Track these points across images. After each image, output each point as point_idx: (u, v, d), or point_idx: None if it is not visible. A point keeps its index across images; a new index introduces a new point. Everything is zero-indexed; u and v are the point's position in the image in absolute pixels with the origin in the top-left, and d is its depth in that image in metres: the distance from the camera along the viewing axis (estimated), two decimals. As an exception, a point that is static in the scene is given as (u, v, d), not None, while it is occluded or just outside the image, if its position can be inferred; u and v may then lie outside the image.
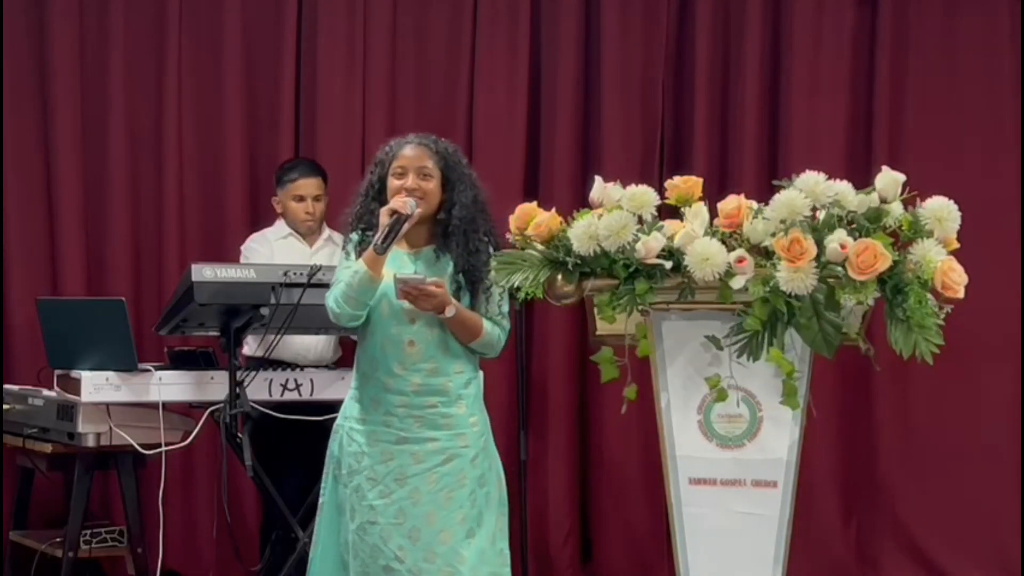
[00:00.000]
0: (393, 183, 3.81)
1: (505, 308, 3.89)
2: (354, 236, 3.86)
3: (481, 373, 3.97)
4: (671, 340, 3.66)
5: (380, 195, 3.85)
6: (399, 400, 3.78)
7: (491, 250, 3.83)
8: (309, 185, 5.30)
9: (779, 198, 3.49)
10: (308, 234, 5.33)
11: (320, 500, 3.93)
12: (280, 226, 5.38)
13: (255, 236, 5.38)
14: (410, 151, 3.84)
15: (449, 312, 3.74)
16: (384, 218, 3.72)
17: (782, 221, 3.46)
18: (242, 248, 5.32)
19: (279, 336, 4.73)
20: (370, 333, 3.83)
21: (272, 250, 5.28)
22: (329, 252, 5.28)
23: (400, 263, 3.83)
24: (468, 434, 3.81)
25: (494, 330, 3.86)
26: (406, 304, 3.75)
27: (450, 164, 3.84)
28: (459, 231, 3.80)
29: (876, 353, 3.61)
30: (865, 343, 3.61)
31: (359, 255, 3.79)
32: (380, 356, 3.81)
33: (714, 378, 3.60)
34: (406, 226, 3.74)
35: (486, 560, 3.79)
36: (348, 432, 3.85)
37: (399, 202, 3.74)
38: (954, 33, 6.01)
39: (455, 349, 3.83)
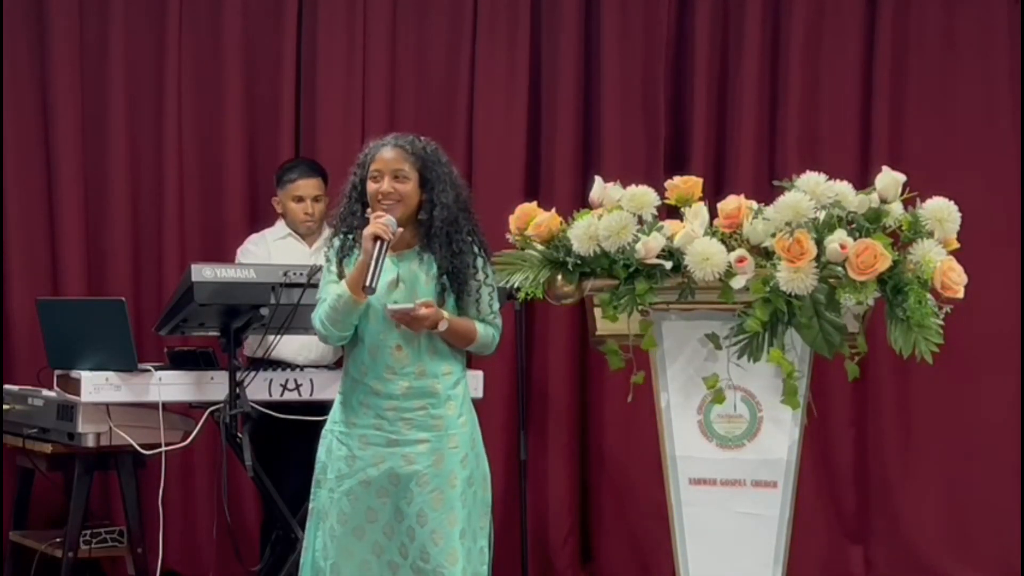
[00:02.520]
0: (370, 186, 3.79)
1: (496, 306, 3.87)
2: (335, 242, 3.85)
3: (475, 372, 3.95)
4: (671, 340, 3.66)
5: (362, 197, 3.83)
6: (388, 404, 3.78)
7: (476, 250, 3.81)
8: (308, 186, 5.29)
9: (783, 200, 3.49)
10: (308, 234, 5.33)
11: (309, 505, 3.94)
12: (280, 226, 5.38)
13: (253, 237, 5.38)
14: (386, 153, 3.81)
15: (442, 327, 3.74)
16: (367, 243, 3.68)
17: (787, 223, 3.46)
18: (239, 250, 5.32)
19: (279, 337, 4.73)
20: (357, 339, 3.83)
21: (269, 251, 5.28)
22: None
23: (383, 267, 3.82)
24: (457, 434, 3.81)
25: (487, 331, 3.85)
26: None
27: (427, 164, 3.81)
28: (441, 232, 3.78)
29: (858, 360, 3.61)
30: (848, 349, 3.60)
31: (339, 262, 3.78)
32: (369, 361, 3.80)
33: (712, 378, 3.60)
34: (387, 248, 3.71)
35: (471, 559, 3.81)
36: (337, 436, 3.85)
37: (380, 227, 3.69)
38: (953, 32, 6.01)
39: (443, 351, 3.82)
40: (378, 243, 3.68)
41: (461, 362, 3.89)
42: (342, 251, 3.80)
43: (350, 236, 3.80)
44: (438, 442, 3.79)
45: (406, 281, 3.79)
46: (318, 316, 3.81)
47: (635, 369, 3.64)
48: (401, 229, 3.74)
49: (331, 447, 3.86)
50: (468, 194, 3.88)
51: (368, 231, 3.70)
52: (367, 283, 3.66)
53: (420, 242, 3.82)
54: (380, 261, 3.67)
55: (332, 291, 3.77)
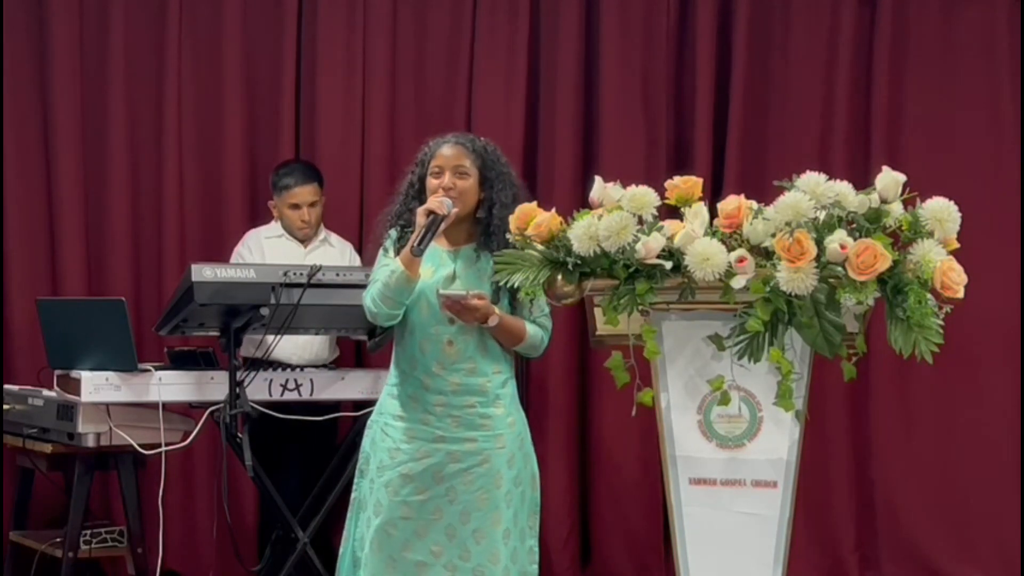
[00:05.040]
0: (431, 182, 3.84)
1: (548, 308, 3.90)
2: (392, 233, 3.88)
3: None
4: (671, 340, 3.66)
5: (420, 194, 3.87)
6: (437, 399, 3.80)
7: None
8: (305, 192, 5.29)
9: (784, 200, 3.48)
10: (305, 239, 5.33)
11: (352, 496, 3.95)
12: (275, 226, 5.38)
13: (250, 235, 5.38)
14: (447, 150, 3.86)
15: (492, 322, 3.76)
16: (420, 218, 3.73)
17: (787, 223, 3.46)
18: (235, 250, 5.32)
19: (278, 337, 4.73)
20: (409, 333, 3.85)
21: (263, 248, 5.28)
22: (322, 253, 5.28)
23: (439, 261, 3.85)
24: (505, 435, 3.84)
25: (537, 333, 3.89)
26: None
27: (488, 163, 3.86)
28: (500, 231, 3.81)
29: (856, 361, 3.61)
30: (846, 350, 3.60)
31: (397, 252, 3.80)
32: (419, 355, 3.82)
33: (717, 380, 3.60)
34: (443, 226, 3.76)
35: (517, 559, 3.82)
36: (383, 428, 3.86)
37: (435, 202, 3.76)
38: (953, 32, 6.01)
39: (493, 349, 3.84)
40: (431, 216, 3.71)
41: (510, 362, 3.91)
42: (400, 242, 3.82)
43: (408, 229, 3.82)
44: (485, 442, 3.80)
45: (463, 277, 3.82)
46: (369, 294, 3.83)
47: (640, 384, 3.63)
48: (456, 210, 3.77)
49: (375, 438, 3.87)
50: (526, 195, 3.91)
51: (422, 208, 3.75)
52: (414, 244, 3.68)
53: (478, 240, 3.85)
54: (430, 230, 3.70)
55: (385, 269, 3.78)
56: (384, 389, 3.94)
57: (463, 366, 3.80)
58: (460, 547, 3.75)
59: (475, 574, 3.75)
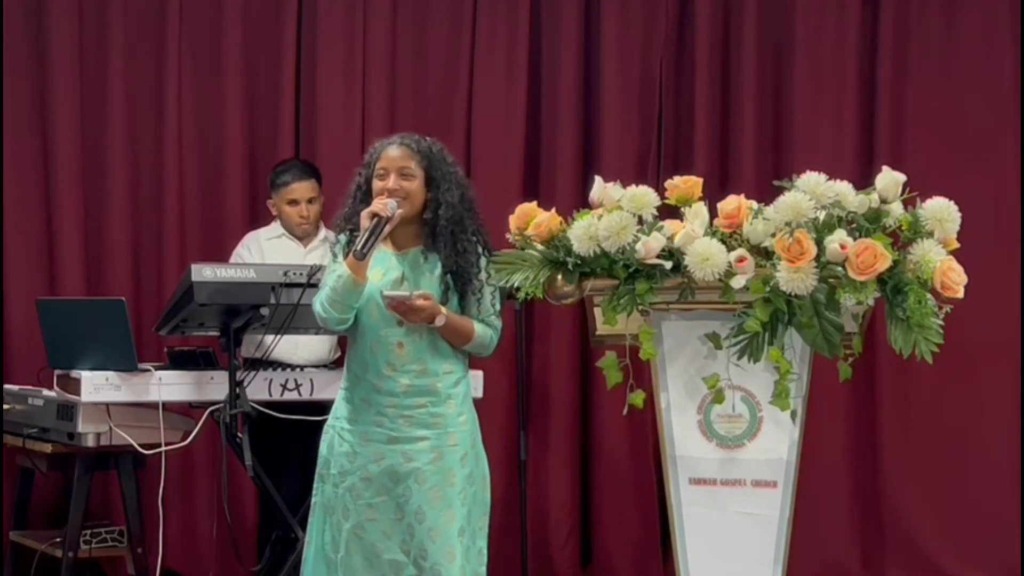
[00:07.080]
0: (376, 184, 3.81)
1: (497, 307, 3.88)
2: (342, 238, 3.86)
3: (475, 372, 3.96)
4: (671, 340, 3.66)
5: (367, 197, 3.84)
6: (389, 401, 3.79)
7: (480, 250, 3.82)
8: (302, 188, 5.29)
9: (783, 200, 3.49)
10: (304, 236, 5.33)
11: (312, 500, 3.95)
12: (275, 226, 5.38)
13: (249, 237, 5.38)
14: (392, 151, 3.83)
15: (439, 322, 3.75)
16: (364, 222, 3.71)
17: (787, 223, 3.46)
18: (234, 252, 5.32)
19: (278, 337, 4.73)
20: (359, 336, 3.84)
21: (262, 249, 5.28)
22: (323, 252, 5.27)
23: (387, 264, 3.83)
24: (457, 432, 3.82)
25: (486, 332, 3.86)
26: None
27: (433, 163, 3.83)
28: (446, 231, 3.79)
29: (852, 361, 3.61)
30: (843, 350, 3.60)
31: (347, 256, 3.79)
32: (370, 358, 3.81)
33: (712, 378, 3.60)
34: (387, 228, 3.73)
35: (469, 559, 3.82)
36: (339, 432, 3.86)
37: (379, 204, 3.73)
38: (955, 32, 6.01)
39: (444, 350, 3.83)
40: (375, 219, 3.70)
41: (463, 362, 3.90)
42: (348, 246, 3.81)
43: (356, 233, 3.81)
44: (438, 439, 3.80)
45: (411, 280, 3.81)
46: (319, 299, 3.82)
47: (633, 385, 3.63)
48: (401, 211, 3.75)
49: (333, 443, 3.87)
50: (473, 194, 3.90)
51: (366, 211, 3.74)
52: (357, 247, 3.68)
53: (424, 241, 3.83)
54: (374, 233, 3.69)
55: (333, 274, 3.78)
56: (338, 393, 3.93)
57: (413, 367, 3.79)
58: (419, 546, 3.75)
59: (432, 573, 3.75)
